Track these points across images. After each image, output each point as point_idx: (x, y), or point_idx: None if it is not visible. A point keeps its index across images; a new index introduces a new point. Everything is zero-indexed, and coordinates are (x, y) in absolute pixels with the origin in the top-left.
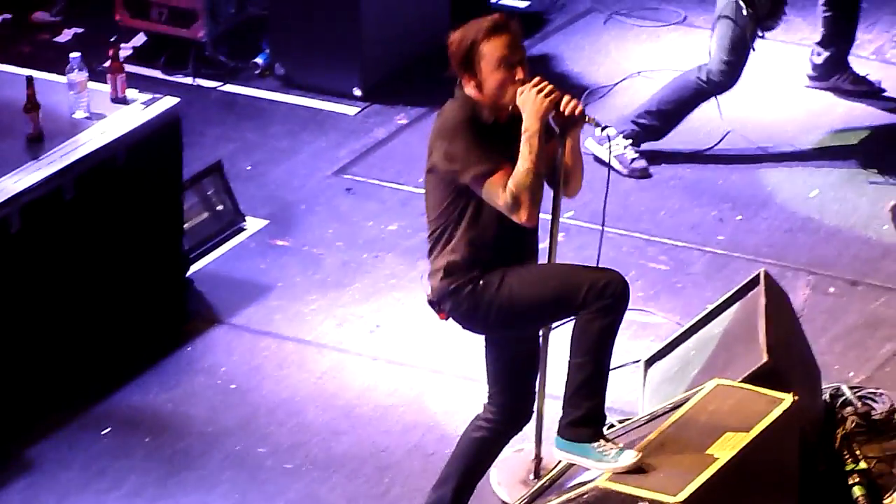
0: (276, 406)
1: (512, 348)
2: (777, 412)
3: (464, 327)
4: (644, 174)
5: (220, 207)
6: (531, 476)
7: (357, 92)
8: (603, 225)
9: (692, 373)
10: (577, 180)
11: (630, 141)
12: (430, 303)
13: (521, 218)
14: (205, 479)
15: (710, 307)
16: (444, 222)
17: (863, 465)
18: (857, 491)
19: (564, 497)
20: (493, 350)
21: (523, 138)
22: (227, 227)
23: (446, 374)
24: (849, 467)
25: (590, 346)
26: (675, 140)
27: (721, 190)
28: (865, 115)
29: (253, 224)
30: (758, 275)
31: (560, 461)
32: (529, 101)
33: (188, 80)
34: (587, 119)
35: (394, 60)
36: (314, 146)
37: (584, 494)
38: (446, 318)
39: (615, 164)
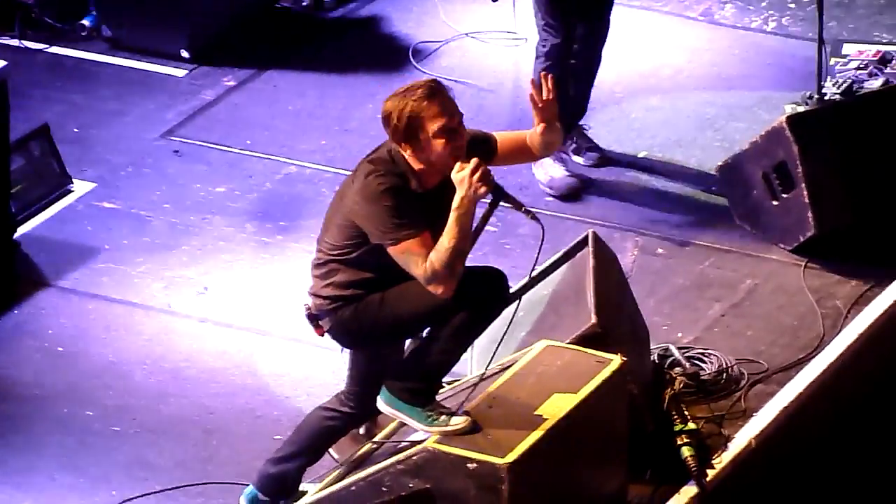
0: (104, 369)
1: (384, 357)
2: (605, 373)
3: (343, 344)
4: (573, 193)
5: (46, 170)
6: (361, 433)
7: (185, 54)
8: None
9: (520, 334)
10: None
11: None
12: (309, 317)
13: (437, 291)
14: (32, 443)
15: (539, 268)
16: (338, 257)
17: (691, 425)
18: (686, 451)
19: (394, 459)
20: (364, 358)
21: (453, 215)
22: (54, 190)
23: (274, 336)
24: (678, 428)
25: (458, 338)
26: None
27: None
28: (693, 80)
29: (80, 187)
30: (586, 236)
31: (393, 423)
32: (465, 184)
33: (14, 42)
34: (523, 209)
35: (221, 22)
36: (142, 108)
37: (413, 456)
38: (323, 335)
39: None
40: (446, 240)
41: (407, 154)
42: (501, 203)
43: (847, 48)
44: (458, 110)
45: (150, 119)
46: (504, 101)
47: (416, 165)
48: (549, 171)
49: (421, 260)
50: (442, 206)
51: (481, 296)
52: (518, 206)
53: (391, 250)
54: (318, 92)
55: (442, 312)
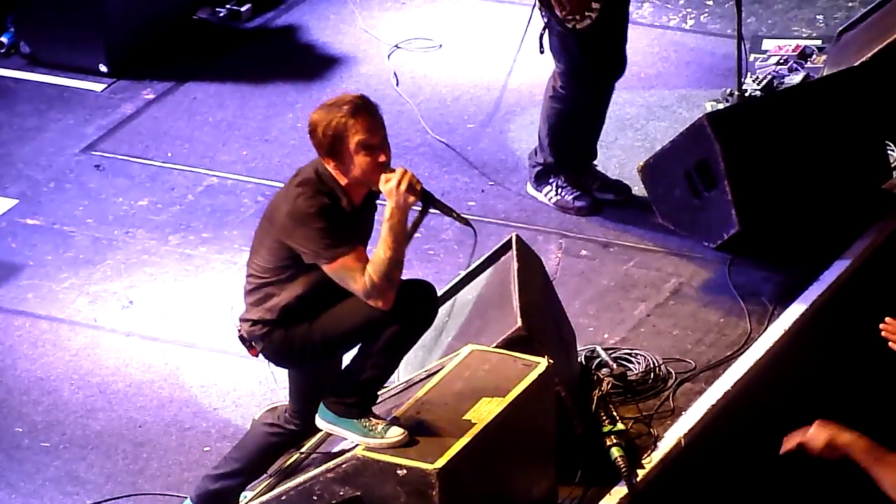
0: (31, 385)
1: (321, 371)
2: (532, 376)
3: (277, 364)
4: (588, 211)
5: None
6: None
7: (103, 68)
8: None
9: (447, 339)
10: None
11: (550, 184)
12: (241, 339)
13: (378, 304)
14: None
15: (463, 273)
16: (269, 280)
17: (620, 426)
18: (616, 452)
19: (324, 467)
20: (302, 376)
21: (386, 226)
22: None
23: (200, 349)
24: (606, 429)
25: (390, 352)
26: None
27: (470, 156)
28: None
29: (2, 203)
30: (510, 239)
31: (322, 432)
32: (395, 193)
33: None
34: (454, 214)
35: (139, 35)
36: (62, 124)
37: (343, 464)
38: (257, 356)
39: (558, 207)
40: (382, 251)
41: (330, 167)
42: (431, 210)
43: (767, 44)
44: (383, 126)
45: (70, 134)
46: (422, 106)
47: (342, 180)
48: (562, 195)
49: (358, 275)
50: (370, 221)
51: (412, 309)
52: (449, 211)
53: (327, 268)
54: (237, 103)
55: (373, 327)
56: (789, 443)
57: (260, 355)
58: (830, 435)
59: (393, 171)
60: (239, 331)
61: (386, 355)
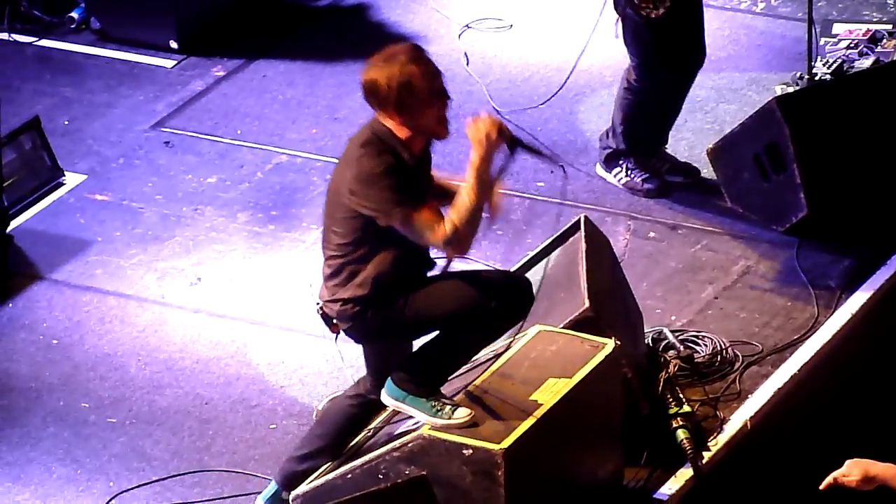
0: (99, 361)
1: (402, 348)
2: (599, 357)
3: (358, 341)
4: (657, 193)
5: (38, 163)
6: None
7: (173, 44)
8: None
9: None
10: None
11: (620, 165)
12: (323, 316)
13: (457, 251)
14: (29, 435)
15: (531, 254)
16: (351, 256)
17: (686, 408)
18: (682, 434)
19: (390, 446)
20: (381, 352)
21: (471, 172)
22: (46, 183)
23: (268, 326)
24: (672, 411)
25: (475, 341)
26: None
27: (539, 137)
28: None
29: (72, 179)
30: (578, 220)
31: (387, 411)
32: (483, 140)
33: (3, 36)
34: (542, 153)
35: (210, 12)
36: (131, 100)
37: (409, 443)
38: (337, 332)
39: (627, 189)
40: (466, 197)
41: (391, 124)
42: (519, 153)
43: (837, 28)
44: (440, 71)
45: (140, 110)
46: (492, 86)
47: (402, 134)
48: (632, 177)
49: (436, 224)
50: (428, 172)
51: (509, 303)
52: (538, 153)
53: (402, 226)
54: (307, 81)
55: (468, 316)
56: (825, 481)
57: (341, 333)
58: (865, 468)
59: (478, 116)
60: (320, 309)
61: (469, 344)
